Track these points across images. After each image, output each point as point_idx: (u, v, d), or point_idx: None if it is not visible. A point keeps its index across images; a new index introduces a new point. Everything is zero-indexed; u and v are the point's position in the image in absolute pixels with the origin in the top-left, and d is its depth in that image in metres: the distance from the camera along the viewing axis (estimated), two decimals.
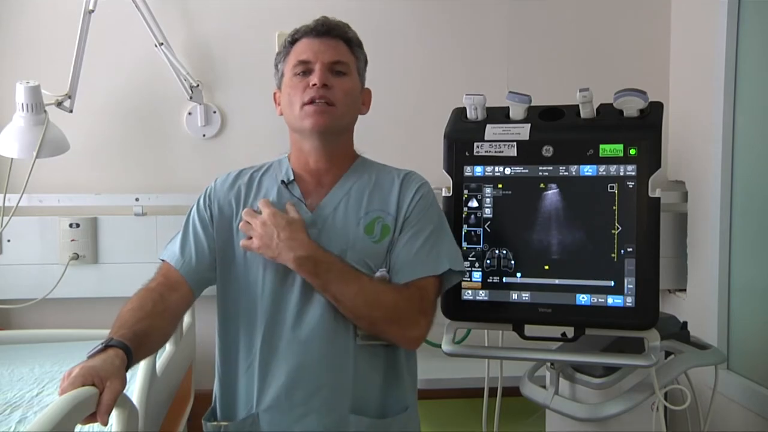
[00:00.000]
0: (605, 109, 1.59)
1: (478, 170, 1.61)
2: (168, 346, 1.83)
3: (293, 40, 1.39)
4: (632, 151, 1.52)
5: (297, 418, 1.28)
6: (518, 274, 1.58)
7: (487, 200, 1.60)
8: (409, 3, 2.45)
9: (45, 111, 2.07)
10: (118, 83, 2.35)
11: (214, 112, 2.40)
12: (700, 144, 2.23)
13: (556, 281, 1.56)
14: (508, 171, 1.60)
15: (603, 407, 1.60)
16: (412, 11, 2.44)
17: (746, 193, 2.03)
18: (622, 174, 1.53)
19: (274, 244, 1.27)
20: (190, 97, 2.32)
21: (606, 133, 1.55)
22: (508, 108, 1.64)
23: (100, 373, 1.04)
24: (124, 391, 1.09)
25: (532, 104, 1.63)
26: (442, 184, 1.61)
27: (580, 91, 1.55)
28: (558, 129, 1.60)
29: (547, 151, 1.57)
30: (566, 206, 1.56)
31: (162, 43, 2.24)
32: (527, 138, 1.59)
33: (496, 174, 1.60)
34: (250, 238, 1.30)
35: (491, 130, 1.62)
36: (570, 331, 1.57)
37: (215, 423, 1.34)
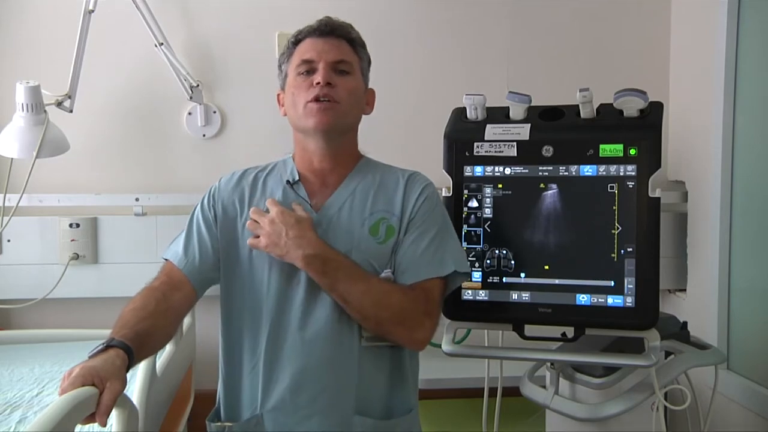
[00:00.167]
0: (605, 109, 1.59)
1: (478, 170, 1.61)
2: (168, 346, 1.83)
3: (296, 40, 1.39)
4: (632, 151, 1.52)
5: (301, 419, 1.28)
6: (518, 274, 1.58)
7: (487, 200, 1.60)
8: (409, 3, 2.45)
9: (45, 111, 2.07)
10: (118, 83, 2.35)
11: (214, 112, 2.40)
12: (700, 144, 2.23)
13: (556, 281, 1.56)
14: (508, 171, 1.60)
15: (603, 407, 1.60)
16: (413, 11, 2.45)
17: (746, 193, 2.03)
18: (622, 174, 1.53)
19: (282, 242, 1.26)
20: (190, 97, 2.32)
21: (606, 133, 1.55)
22: (508, 108, 1.64)
23: (101, 373, 1.04)
24: (125, 391, 1.08)
25: (532, 104, 1.63)
26: (442, 184, 1.60)
27: (580, 91, 1.55)
28: (558, 129, 1.60)
29: (547, 151, 1.57)
30: (566, 206, 1.56)
31: (162, 43, 2.24)
32: (527, 138, 1.59)
33: (496, 174, 1.60)
34: (257, 236, 1.30)
35: (491, 130, 1.62)
36: (570, 331, 1.57)
37: (219, 424, 1.34)
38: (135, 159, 2.38)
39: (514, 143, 1.59)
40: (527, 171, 1.58)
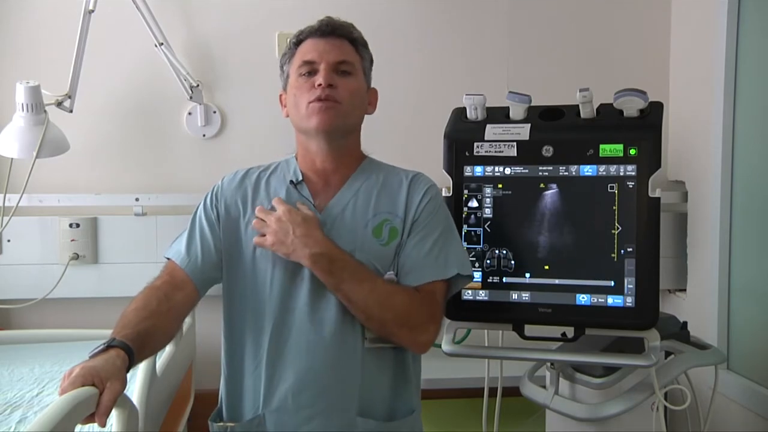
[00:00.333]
0: (605, 109, 1.59)
1: (478, 170, 1.61)
2: (168, 346, 1.83)
3: (298, 41, 1.38)
4: (632, 151, 1.52)
5: (304, 420, 1.27)
6: (518, 274, 1.58)
7: (487, 200, 1.60)
8: (409, 3, 2.45)
9: (45, 111, 2.06)
10: (118, 83, 2.35)
11: (214, 112, 2.40)
12: (700, 144, 2.23)
13: (556, 281, 1.56)
14: (508, 171, 1.60)
15: (603, 407, 1.60)
16: (413, 11, 2.44)
17: (746, 193, 2.03)
18: (622, 174, 1.53)
19: (288, 240, 1.26)
20: (190, 97, 2.32)
21: (606, 133, 1.55)
22: (508, 108, 1.64)
23: (101, 373, 1.04)
24: (125, 391, 1.08)
25: (532, 104, 1.63)
26: (442, 184, 1.60)
27: (580, 91, 1.55)
28: (558, 129, 1.60)
29: (547, 151, 1.57)
30: (566, 206, 1.56)
31: (162, 43, 2.24)
32: (527, 138, 1.59)
33: (496, 174, 1.60)
34: (263, 235, 1.30)
35: (491, 130, 1.62)
36: (570, 331, 1.57)
37: (221, 423, 1.33)
38: (135, 159, 2.38)
39: (514, 143, 1.59)
40: (527, 171, 1.58)
